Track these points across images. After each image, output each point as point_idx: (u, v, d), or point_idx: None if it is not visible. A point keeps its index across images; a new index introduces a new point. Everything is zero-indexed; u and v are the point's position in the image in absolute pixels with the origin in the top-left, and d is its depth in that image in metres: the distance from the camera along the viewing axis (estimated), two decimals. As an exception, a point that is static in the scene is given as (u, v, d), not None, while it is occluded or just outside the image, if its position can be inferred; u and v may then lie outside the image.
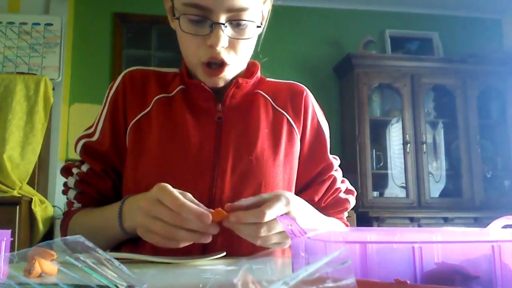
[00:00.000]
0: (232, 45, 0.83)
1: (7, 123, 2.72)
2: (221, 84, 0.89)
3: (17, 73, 2.98)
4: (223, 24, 0.79)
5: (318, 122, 0.99)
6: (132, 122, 0.91)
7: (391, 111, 3.80)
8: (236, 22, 0.81)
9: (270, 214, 0.69)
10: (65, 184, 0.96)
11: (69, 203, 0.95)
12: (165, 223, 0.68)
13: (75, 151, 0.95)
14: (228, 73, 0.87)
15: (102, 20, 3.71)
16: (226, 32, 0.80)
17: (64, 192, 0.96)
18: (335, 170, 0.99)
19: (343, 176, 1.03)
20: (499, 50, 3.98)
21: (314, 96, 1.03)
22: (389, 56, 3.82)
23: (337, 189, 0.98)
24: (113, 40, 3.71)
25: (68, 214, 0.94)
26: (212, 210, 0.70)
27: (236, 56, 0.85)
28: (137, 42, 3.89)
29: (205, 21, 0.80)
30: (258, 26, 0.84)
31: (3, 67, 3.04)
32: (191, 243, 0.71)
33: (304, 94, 0.99)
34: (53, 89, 2.96)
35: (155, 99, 0.92)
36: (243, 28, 0.82)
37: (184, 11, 0.80)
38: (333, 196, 0.98)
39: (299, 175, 0.95)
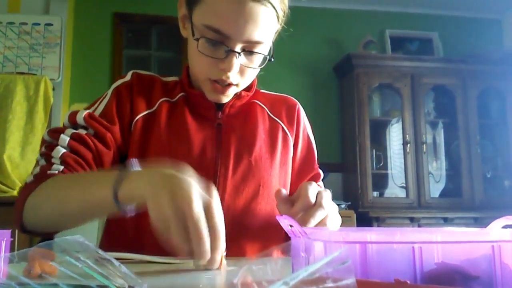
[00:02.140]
0: (241, 70, 0.86)
1: (7, 123, 2.72)
2: (224, 101, 0.93)
3: (17, 73, 2.98)
4: (239, 52, 0.83)
5: (308, 135, 1.05)
6: (137, 118, 0.91)
7: (391, 111, 3.80)
8: (249, 51, 0.84)
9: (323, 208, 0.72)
10: (49, 144, 0.83)
11: (45, 167, 0.80)
12: (185, 233, 0.57)
13: (72, 119, 0.85)
14: (232, 92, 0.91)
15: (102, 20, 3.71)
16: (239, 60, 0.84)
17: (44, 154, 0.82)
18: (321, 181, 1.05)
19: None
20: (499, 50, 3.98)
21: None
22: (389, 56, 3.82)
23: None
24: (113, 40, 3.71)
25: (39, 178, 0.79)
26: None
27: (242, 79, 0.89)
28: (137, 42, 3.89)
29: (221, 46, 0.82)
30: (269, 60, 0.88)
31: (3, 67, 3.04)
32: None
33: (297, 107, 1.05)
34: (53, 89, 2.96)
35: (159, 101, 0.94)
36: (254, 57, 0.86)
37: (203, 33, 0.82)
38: None
39: (291, 183, 1.00)
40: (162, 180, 0.60)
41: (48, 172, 0.80)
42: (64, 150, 0.82)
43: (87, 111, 0.88)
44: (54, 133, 0.85)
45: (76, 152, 0.83)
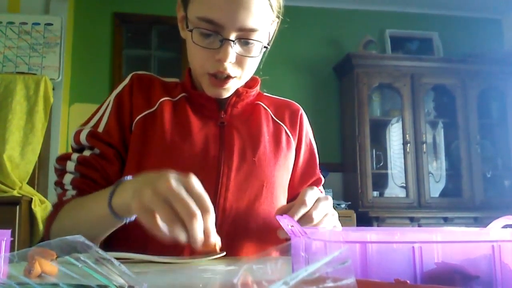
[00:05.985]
0: (238, 61, 0.86)
1: (7, 123, 2.72)
2: (224, 95, 0.91)
3: (17, 73, 2.98)
4: (233, 41, 0.82)
5: (310, 140, 1.06)
6: (137, 119, 0.91)
7: (391, 111, 3.80)
8: (244, 41, 0.84)
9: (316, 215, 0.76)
10: (60, 172, 0.89)
11: (61, 195, 0.87)
12: (171, 211, 0.60)
13: (77, 140, 0.89)
14: (232, 86, 0.90)
15: (102, 20, 3.71)
16: (234, 49, 0.83)
17: (57, 183, 0.89)
18: (322, 186, 1.05)
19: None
20: (499, 50, 3.98)
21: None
22: (389, 56, 3.82)
23: None
24: (113, 40, 3.71)
25: (58, 206, 0.86)
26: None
27: (241, 71, 0.88)
28: (137, 42, 3.89)
29: (216, 36, 0.83)
30: (265, 47, 0.88)
31: (3, 67, 3.04)
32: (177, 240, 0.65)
33: (300, 112, 1.05)
34: (53, 89, 2.96)
35: (160, 101, 0.94)
36: (251, 46, 0.85)
37: (197, 25, 0.83)
38: None
39: (294, 187, 1.00)
40: (143, 182, 0.65)
41: (64, 198, 0.86)
42: (72, 176, 0.87)
43: (89, 129, 0.90)
44: (62, 160, 0.89)
45: (84, 175, 0.87)
